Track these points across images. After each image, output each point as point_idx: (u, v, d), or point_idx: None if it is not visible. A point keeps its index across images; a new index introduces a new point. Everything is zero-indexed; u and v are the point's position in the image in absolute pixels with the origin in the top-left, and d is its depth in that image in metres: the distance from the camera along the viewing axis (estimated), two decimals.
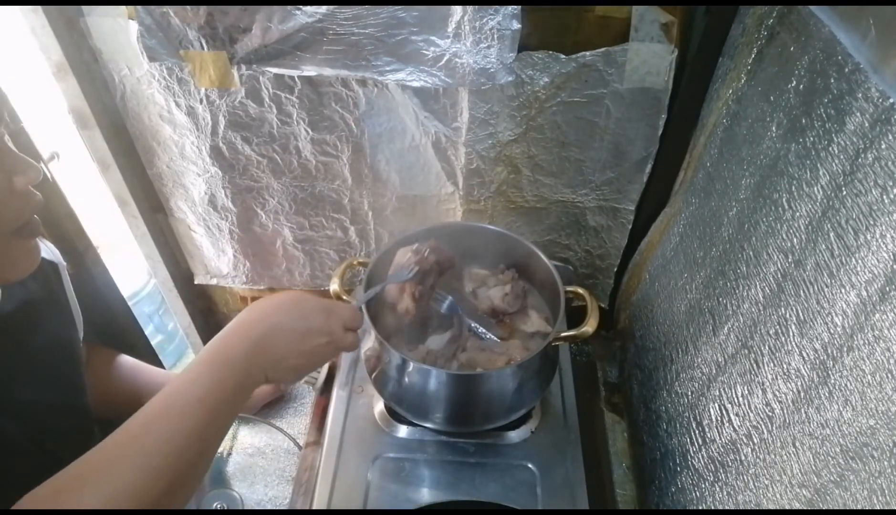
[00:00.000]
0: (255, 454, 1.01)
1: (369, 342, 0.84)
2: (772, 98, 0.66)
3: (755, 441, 0.61)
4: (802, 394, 0.53)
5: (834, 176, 0.52)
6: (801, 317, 0.54)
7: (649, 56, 0.82)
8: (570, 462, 0.82)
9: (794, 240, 0.57)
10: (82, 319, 0.77)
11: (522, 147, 0.95)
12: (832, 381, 0.49)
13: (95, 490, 0.46)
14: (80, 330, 0.74)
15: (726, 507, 0.65)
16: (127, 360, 0.87)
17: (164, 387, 0.55)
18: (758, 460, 0.60)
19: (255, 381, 0.59)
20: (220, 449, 0.88)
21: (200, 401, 0.54)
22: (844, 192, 0.50)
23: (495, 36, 0.79)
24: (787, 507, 0.54)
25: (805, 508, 0.52)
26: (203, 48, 0.84)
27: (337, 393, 0.91)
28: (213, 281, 1.25)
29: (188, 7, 0.80)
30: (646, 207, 1.01)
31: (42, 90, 0.91)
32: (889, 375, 0.42)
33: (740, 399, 0.64)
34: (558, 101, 0.89)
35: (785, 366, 0.56)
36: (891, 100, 0.45)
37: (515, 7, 0.77)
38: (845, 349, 0.47)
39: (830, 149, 0.53)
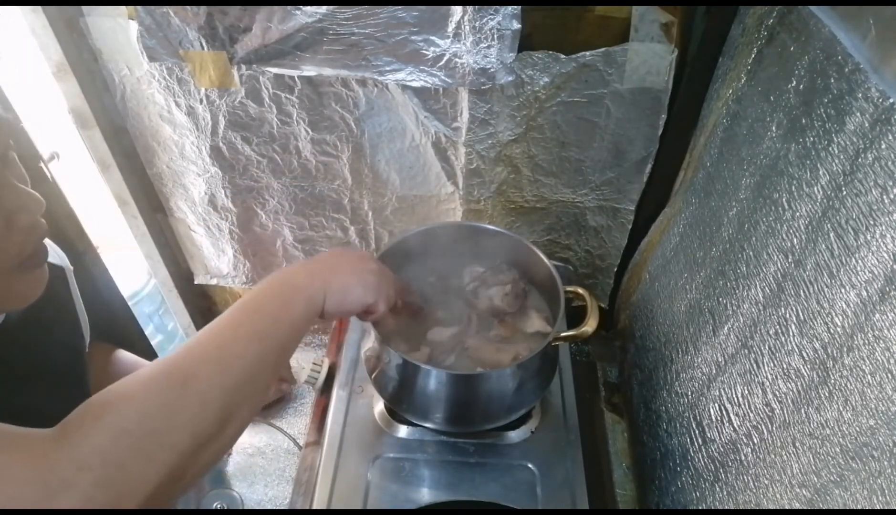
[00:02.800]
0: (255, 454, 1.01)
1: (369, 342, 0.84)
2: (772, 98, 0.66)
3: (755, 441, 0.61)
4: (802, 394, 0.53)
5: (834, 176, 0.52)
6: (801, 317, 0.54)
7: (649, 56, 0.82)
8: (570, 462, 0.82)
9: (794, 239, 0.57)
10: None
11: (522, 147, 0.95)
12: (832, 381, 0.49)
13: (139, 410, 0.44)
14: (86, 334, 0.74)
15: (726, 507, 0.65)
16: (126, 357, 0.86)
17: (222, 315, 0.54)
18: (758, 460, 0.60)
19: (317, 304, 0.60)
20: None
21: (274, 321, 0.54)
22: (844, 192, 0.50)
23: (495, 36, 0.79)
24: (787, 507, 0.54)
25: (805, 508, 0.52)
26: (203, 48, 0.84)
27: (337, 393, 0.91)
28: (213, 281, 1.25)
29: (188, 7, 0.80)
30: (646, 207, 1.01)
31: (42, 90, 0.91)
32: (889, 375, 0.42)
33: (740, 399, 0.64)
34: (558, 101, 0.89)
35: (785, 366, 0.56)
36: (891, 100, 0.45)
37: (515, 7, 0.77)
38: (845, 349, 0.47)
39: (830, 149, 0.53)
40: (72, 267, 0.74)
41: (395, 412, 0.85)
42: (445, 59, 0.82)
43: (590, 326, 0.78)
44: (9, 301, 0.55)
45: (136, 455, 0.42)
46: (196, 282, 1.26)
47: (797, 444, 0.53)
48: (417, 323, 0.86)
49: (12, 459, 0.38)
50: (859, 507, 0.44)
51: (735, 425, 0.65)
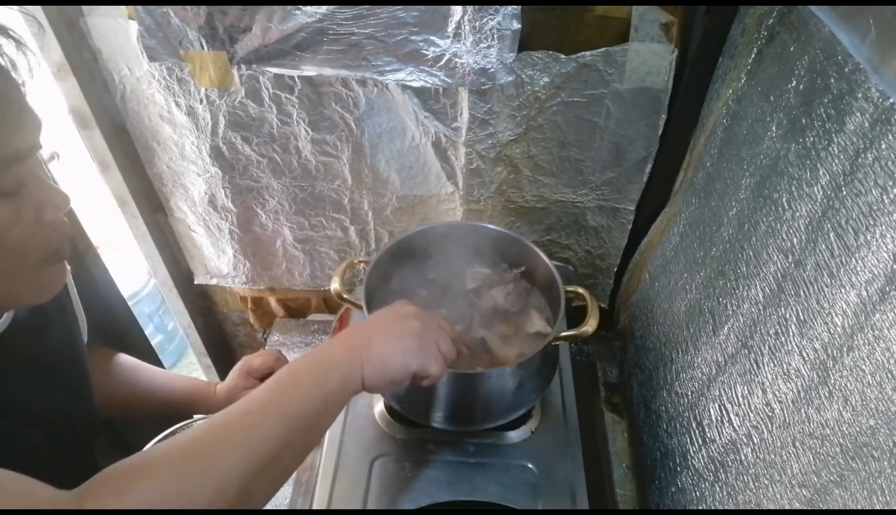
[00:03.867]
0: None
1: None
2: (772, 98, 0.66)
3: (755, 441, 0.61)
4: (802, 394, 0.53)
5: (834, 176, 0.52)
6: (801, 317, 0.54)
7: (649, 56, 0.82)
8: (570, 462, 0.82)
9: (794, 239, 0.57)
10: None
11: (522, 147, 0.95)
12: (832, 381, 0.49)
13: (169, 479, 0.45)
14: (84, 332, 0.74)
15: (726, 507, 0.65)
16: (127, 360, 0.86)
17: (250, 393, 0.53)
18: (758, 460, 0.60)
19: (354, 380, 0.58)
20: None
21: (307, 400, 0.53)
22: (844, 192, 0.50)
23: (495, 36, 0.79)
24: (787, 507, 0.54)
25: (805, 508, 0.52)
26: (203, 48, 0.84)
27: None
28: (213, 281, 1.25)
29: (188, 7, 0.80)
30: (646, 207, 1.01)
31: (42, 90, 0.91)
32: (889, 375, 0.42)
33: (740, 399, 0.64)
34: (558, 101, 0.89)
35: (785, 366, 0.56)
36: (891, 100, 0.45)
37: (515, 7, 0.77)
38: (845, 349, 0.47)
39: (830, 149, 0.53)
40: (69, 268, 0.75)
41: (396, 412, 0.85)
42: (445, 59, 0.82)
43: (590, 326, 0.78)
44: (33, 294, 0.56)
45: None
46: (196, 282, 1.26)
47: (797, 444, 0.53)
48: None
49: None
50: (859, 507, 0.44)
51: (735, 425, 0.65)
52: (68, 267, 0.74)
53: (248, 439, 0.48)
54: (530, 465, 0.81)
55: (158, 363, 1.24)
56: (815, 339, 0.52)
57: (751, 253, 0.66)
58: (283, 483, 0.55)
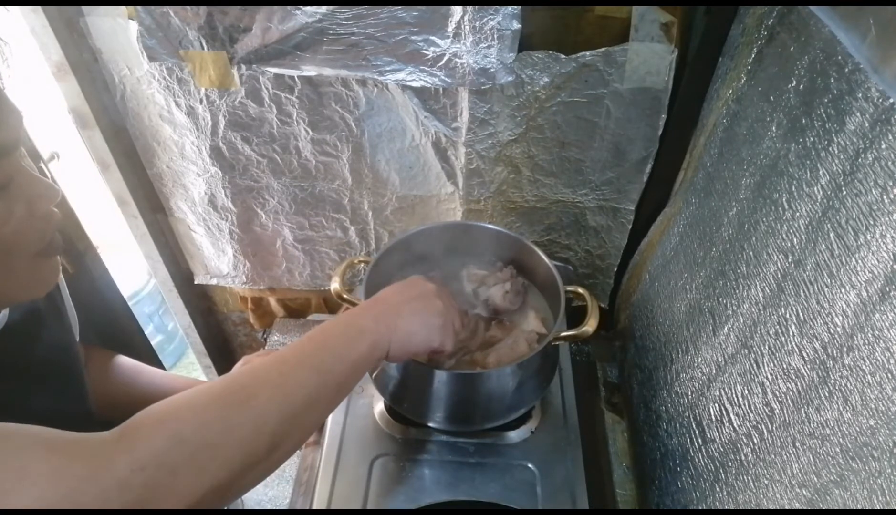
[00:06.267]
0: None
1: None
2: (772, 98, 0.66)
3: (755, 441, 0.61)
4: (802, 394, 0.53)
5: (834, 176, 0.52)
6: (801, 317, 0.54)
7: (649, 56, 0.82)
8: (570, 462, 0.82)
9: (794, 239, 0.57)
10: (80, 319, 0.76)
11: (522, 147, 0.95)
12: (832, 381, 0.49)
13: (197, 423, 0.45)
14: (75, 330, 0.74)
15: (726, 507, 0.65)
16: (126, 361, 0.86)
17: (281, 351, 0.55)
18: (758, 460, 0.60)
19: (382, 348, 0.60)
20: None
21: (338, 359, 0.55)
22: (844, 192, 0.50)
23: (495, 36, 0.79)
24: (787, 507, 0.54)
25: (805, 508, 0.52)
26: (203, 48, 0.84)
27: None
28: (213, 281, 1.25)
29: (188, 7, 0.80)
30: (646, 207, 1.01)
31: (42, 90, 0.91)
32: (889, 375, 0.42)
33: (740, 399, 0.64)
34: (558, 101, 0.89)
35: (785, 366, 0.56)
36: (891, 100, 0.45)
37: (515, 7, 0.77)
38: (845, 349, 0.47)
39: (830, 149, 0.53)
40: (69, 267, 0.75)
41: (396, 412, 0.85)
42: (445, 59, 0.83)
43: (590, 326, 0.78)
44: (29, 289, 0.56)
45: (189, 465, 0.42)
46: (196, 282, 1.26)
47: (797, 444, 0.53)
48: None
49: (71, 459, 0.39)
50: (859, 507, 0.44)
51: (735, 425, 0.65)
52: (60, 268, 0.74)
53: (284, 384, 0.50)
54: (530, 465, 0.81)
55: (158, 363, 1.24)
56: (815, 339, 0.52)
57: (751, 253, 0.66)
58: (305, 441, 0.57)
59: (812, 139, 0.56)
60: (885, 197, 0.45)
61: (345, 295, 0.82)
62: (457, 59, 0.82)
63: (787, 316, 0.57)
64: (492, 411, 0.80)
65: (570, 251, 1.13)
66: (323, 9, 0.79)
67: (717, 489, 0.68)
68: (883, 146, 0.45)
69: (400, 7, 0.78)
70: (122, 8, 0.82)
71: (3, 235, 0.49)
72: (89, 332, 0.79)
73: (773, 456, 0.57)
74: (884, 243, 0.44)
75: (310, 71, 0.86)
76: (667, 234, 0.92)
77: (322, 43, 0.82)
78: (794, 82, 0.61)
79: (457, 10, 0.78)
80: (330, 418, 0.87)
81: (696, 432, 0.74)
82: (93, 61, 0.90)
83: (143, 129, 0.99)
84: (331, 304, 1.31)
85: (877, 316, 0.44)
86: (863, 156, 0.48)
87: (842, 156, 0.51)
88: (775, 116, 0.65)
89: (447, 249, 0.92)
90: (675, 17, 0.79)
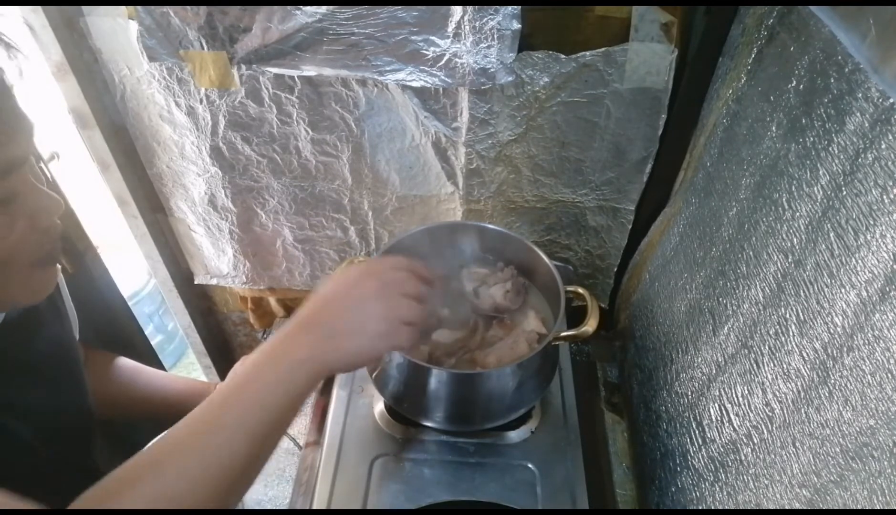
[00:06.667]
0: None
1: None
2: (772, 98, 0.66)
3: (755, 441, 0.61)
4: (802, 394, 0.53)
5: (834, 176, 0.52)
6: (801, 317, 0.54)
7: (649, 56, 0.82)
8: (570, 462, 0.82)
9: (794, 239, 0.57)
10: (80, 319, 0.77)
11: (522, 147, 0.95)
12: (832, 381, 0.49)
13: (145, 490, 0.46)
14: (76, 330, 0.75)
15: (726, 507, 0.65)
16: (126, 363, 0.86)
17: (212, 393, 0.53)
18: (758, 460, 0.60)
19: (322, 375, 0.56)
20: None
21: (261, 404, 0.52)
22: (844, 192, 0.50)
23: (495, 36, 0.79)
24: (787, 507, 0.54)
25: (805, 508, 0.52)
26: (203, 48, 0.84)
27: (337, 393, 0.91)
28: (213, 281, 1.25)
29: (188, 7, 0.80)
30: (646, 207, 1.01)
31: (42, 90, 0.91)
32: (889, 375, 0.42)
33: (740, 399, 0.64)
34: (558, 101, 0.89)
35: (785, 366, 0.56)
36: (891, 100, 0.45)
37: (515, 7, 0.77)
38: (845, 349, 0.47)
39: (830, 149, 0.53)
40: (59, 266, 0.75)
41: (396, 412, 0.85)
42: (445, 59, 0.83)
43: (590, 326, 0.78)
44: (24, 296, 0.56)
45: None
46: (196, 282, 1.26)
47: (797, 444, 0.53)
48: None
49: None
50: (859, 507, 0.44)
51: (735, 425, 0.65)
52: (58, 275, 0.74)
53: (199, 447, 0.49)
54: (530, 465, 0.81)
55: (158, 363, 1.24)
56: (815, 339, 0.52)
57: (751, 253, 0.66)
58: (248, 488, 0.55)
59: (812, 139, 0.56)
60: (885, 197, 0.45)
61: None
62: (457, 59, 0.82)
63: (787, 316, 0.57)
64: (492, 411, 0.80)
65: (570, 251, 1.13)
66: (323, 9, 0.79)
67: (717, 489, 0.68)
68: (883, 146, 0.45)
69: (400, 7, 0.78)
70: (122, 8, 0.82)
71: (2, 247, 0.49)
72: (89, 332, 0.79)
73: (773, 456, 0.57)
74: (884, 243, 0.44)
75: (310, 71, 0.86)
76: (667, 234, 0.92)
77: (322, 43, 0.82)
78: (794, 82, 0.61)
79: (457, 10, 0.78)
80: (330, 418, 0.87)
81: (696, 432, 0.74)
82: (93, 61, 0.90)
83: (143, 129, 0.99)
84: None
85: (877, 316, 0.44)
86: (863, 156, 0.48)
87: (842, 156, 0.51)
88: (775, 116, 0.65)
89: (447, 249, 0.92)
90: (675, 17, 0.79)
